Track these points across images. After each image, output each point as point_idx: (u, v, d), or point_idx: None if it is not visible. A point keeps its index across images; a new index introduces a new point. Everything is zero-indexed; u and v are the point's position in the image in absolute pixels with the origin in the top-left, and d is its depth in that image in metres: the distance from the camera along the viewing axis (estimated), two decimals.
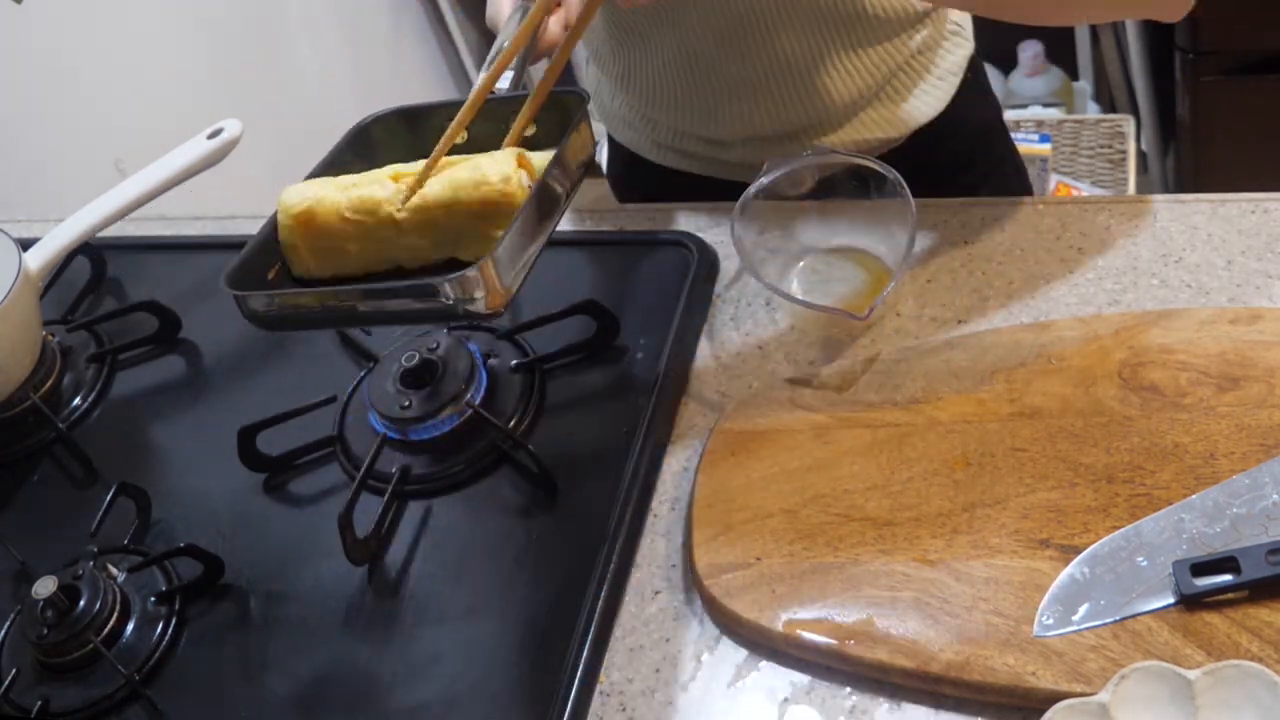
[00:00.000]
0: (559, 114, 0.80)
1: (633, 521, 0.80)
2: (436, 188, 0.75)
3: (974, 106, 1.08)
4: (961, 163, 1.08)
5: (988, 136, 1.13)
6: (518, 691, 0.74)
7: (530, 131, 0.81)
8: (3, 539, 0.90)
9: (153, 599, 0.84)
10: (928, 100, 1.03)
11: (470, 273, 0.67)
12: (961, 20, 1.06)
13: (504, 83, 0.81)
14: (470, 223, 0.75)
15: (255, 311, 0.74)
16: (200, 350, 1.03)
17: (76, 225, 1.03)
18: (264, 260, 0.77)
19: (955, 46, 1.05)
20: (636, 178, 1.16)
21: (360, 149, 0.83)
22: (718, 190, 1.02)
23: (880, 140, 1.02)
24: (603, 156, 1.20)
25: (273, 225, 0.77)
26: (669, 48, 0.99)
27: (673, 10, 0.96)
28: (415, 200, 0.75)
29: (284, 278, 0.78)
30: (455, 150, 0.79)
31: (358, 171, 0.80)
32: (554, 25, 0.85)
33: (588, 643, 0.74)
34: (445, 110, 0.80)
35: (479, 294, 0.67)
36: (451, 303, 0.68)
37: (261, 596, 0.84)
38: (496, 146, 0.79)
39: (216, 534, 0.88)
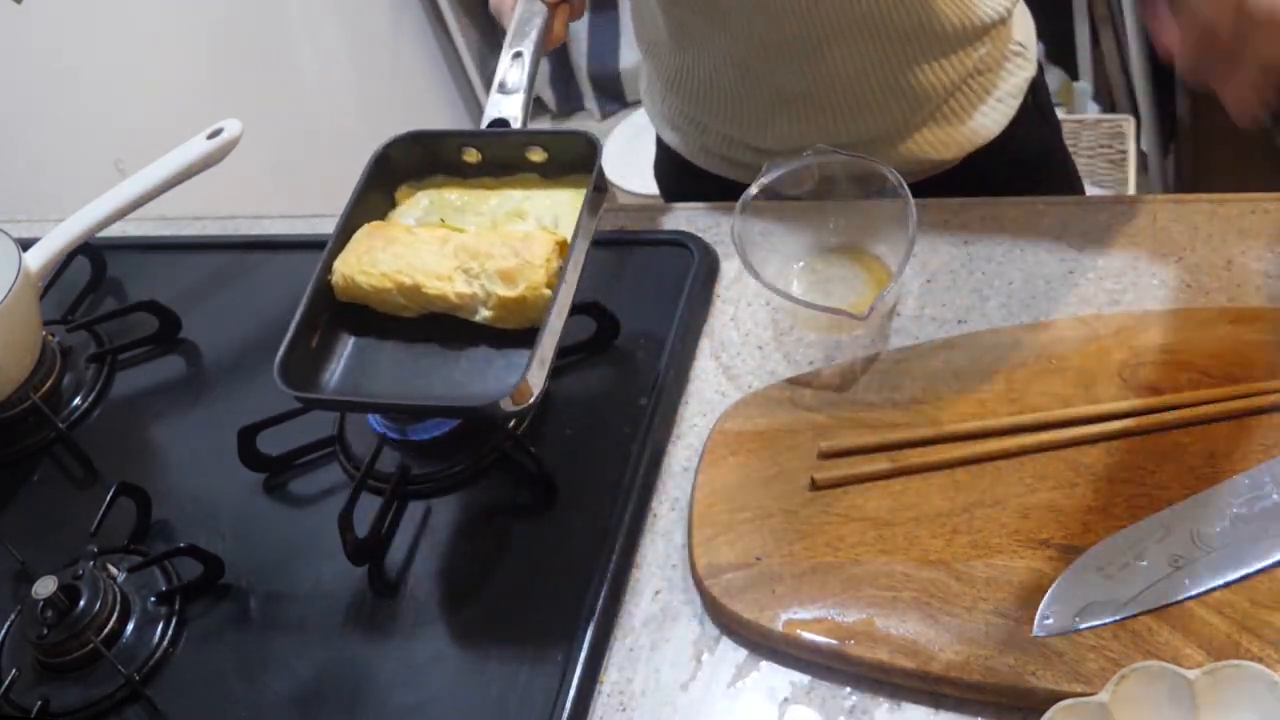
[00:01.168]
0: (571, 144, 0.83)
1: (633, 521, 0.80)
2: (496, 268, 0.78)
3: (1032, 130, 1.04)
4: (1015, 189, 0.98)
5: (1046, 161, 1.08)
6: (518, 691, 0.74)
7: (539, 158, 0.84)
8: (3, 539, 0.90)
9: (153, 599, 0.84)
10: (984, 123, 0.99)
11: (513, 393, 0.71)
12: (1025, 40, 1.02)
13: (516, 108, 0.84)
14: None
15: (310, 402, 0.80)
16: (200, 350, 1.03)
17: (76, 225, 1.03)
18: (307, 336, 0.79)
19: (1017, 68, 1.00)
20: (684, 182, 1.12)
21: (380, 172, 0.85)
22: None
23: (933, 162, 0.99)
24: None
25: (310, 304, 0.79)
26: (721, 53, 0.97)
27: (725, 15, 0.93)
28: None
29: (325, 333, 0.81)
30: (471, 171, 0.85)
31: (383, 197, 0.85)
32: (558, 25, 0.87)
33: (587, 643, 0.74)
34: (457, 138, 0.85)
35: (517, 404, 0.72)
36: (493, 414, 0.75)
37: (261, 596, 0.84)
38: (509, 170, 0.85)
39: (216, 534, 0.88)
